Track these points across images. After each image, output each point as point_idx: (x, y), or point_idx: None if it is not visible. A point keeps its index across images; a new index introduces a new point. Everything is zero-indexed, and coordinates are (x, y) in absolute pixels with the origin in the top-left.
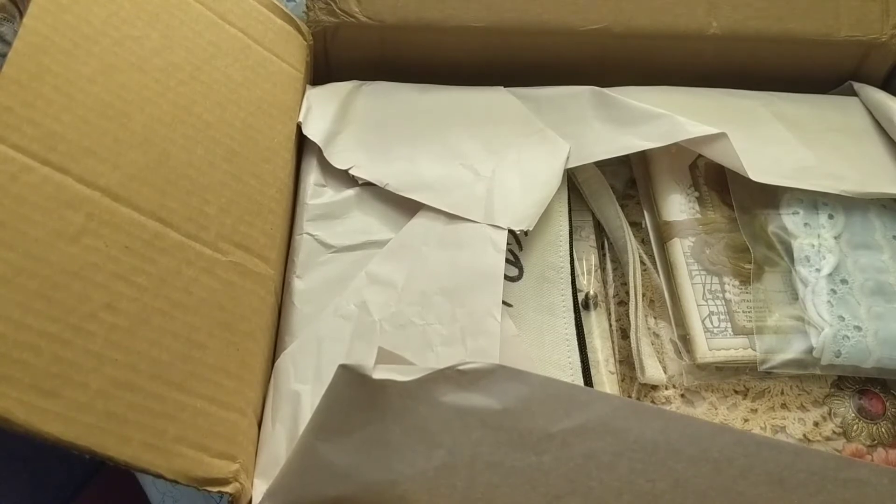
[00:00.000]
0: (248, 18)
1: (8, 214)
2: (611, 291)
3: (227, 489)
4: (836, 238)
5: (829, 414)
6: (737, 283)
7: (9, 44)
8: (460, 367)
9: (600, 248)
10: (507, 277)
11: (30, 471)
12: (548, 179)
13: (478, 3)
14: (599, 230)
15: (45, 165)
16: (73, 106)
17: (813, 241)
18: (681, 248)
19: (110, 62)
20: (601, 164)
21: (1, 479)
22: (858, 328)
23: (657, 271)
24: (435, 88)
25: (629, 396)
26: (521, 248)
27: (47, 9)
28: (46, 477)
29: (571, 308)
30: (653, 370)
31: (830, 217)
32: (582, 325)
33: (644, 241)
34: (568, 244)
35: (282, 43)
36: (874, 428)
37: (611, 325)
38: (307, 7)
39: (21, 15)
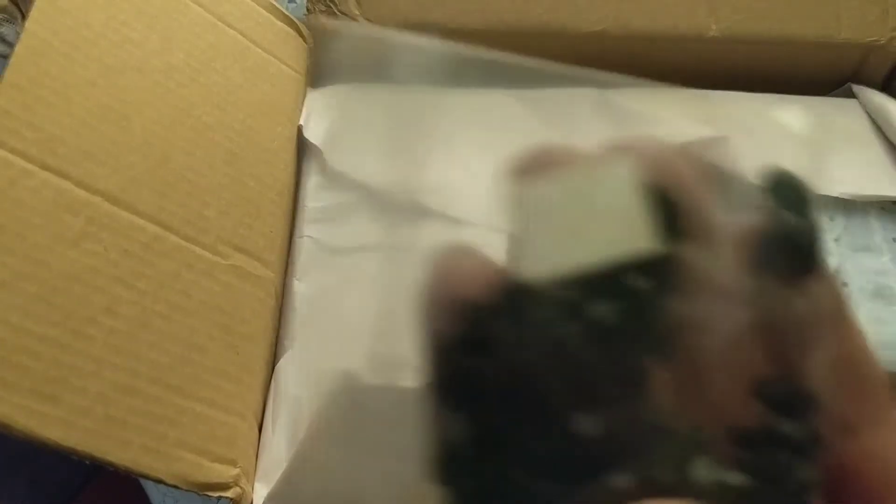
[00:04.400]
0: (248, 20)
1: (7, 219)
2: None
3: (228, 493)
4: (835, 241)
5: None
6: None
7: (10, 45)
8: None
9: None
10: None
11: (29, 471)
12: None
13: (478, 4)
14: None
15: (45, 169)
16: (73, 109)
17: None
18: None
19: (110, 65)
20: None
21: (0, 479)
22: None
23: None
24: (436, 90)
25: None
26: None
27: (47, 12)
28: (46, 477)
29: None
30: None
31: (830, 220)
32: None
33: None
34: None
35: (282, 45)
36: None
37: None
38: (307, 9)
39: (22, 15)
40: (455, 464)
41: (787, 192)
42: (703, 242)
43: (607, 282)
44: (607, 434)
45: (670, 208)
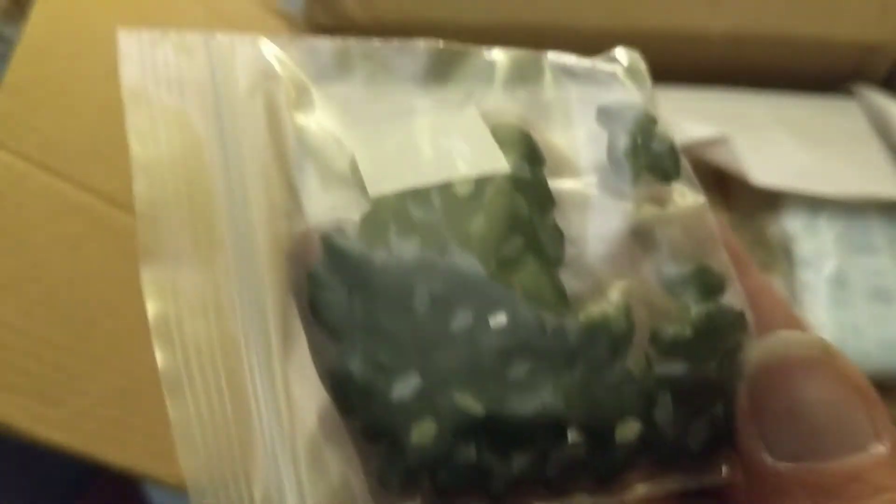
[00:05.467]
0: (247, 20)
1: (8, 221)
2: None
3: None
4: (835, 241)
5: None
6: None
7: (12, 44)
8: None
9: None
10: None
11: (31, 472)
12: None
13: (477, 3)
14: None
15: (46, 172)
16: (73, 111)
17: (812, 243)
18: None
19: (110, 66)
20: None
21: (1, 479)
22: (858, 332)
23: None
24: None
25: None
26: None
27: (49, 14)
28: (47, 478)
29: None
30: None
31: (830, 220)
32: None
33: None
34: None
35: None
36: None
37: None
38: (306, 7)
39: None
40: (349, 392)
41: (627, 118)
42: (563, 167)
43: (477, 201)
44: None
45: (524, 140)
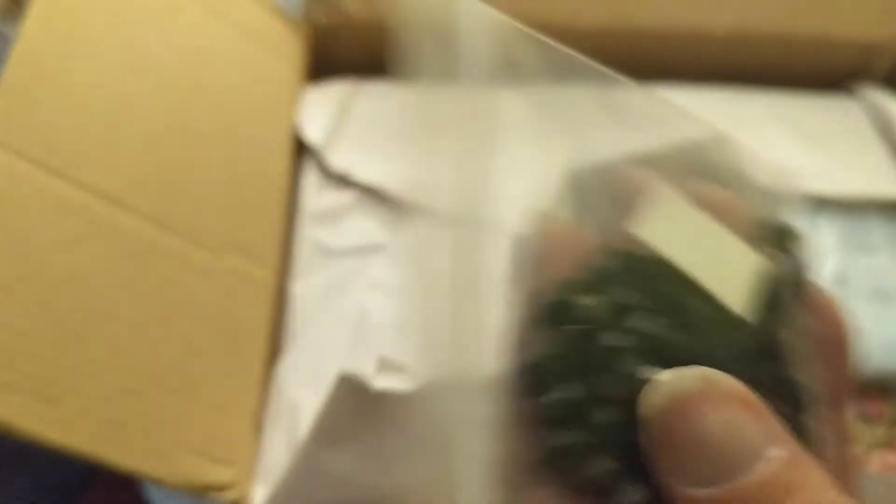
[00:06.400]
0: (247, 20)
1: (7, 221)
2: None
3: (228, 495)
4: (835, 241)
5: None
6: None
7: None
8: None
9: None
10: None
11: (29, 471)
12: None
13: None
14: None
15: (45, 171)
16: (72, 111)
17: (812, 243)
18: None
19: (109, 66)
20: None
21: (0, 479)
22: (858, 332)
23: None
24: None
25: None
26: None
27: (46, 14)
28: (46, 477)
29: None
30: None
31: (830, 220)
32: None
33: None
34: None
35: (281, 44)
36: (873, 431)
37: None
38: (305, 7)
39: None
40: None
41: (783, 242)
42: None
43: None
44: None
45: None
